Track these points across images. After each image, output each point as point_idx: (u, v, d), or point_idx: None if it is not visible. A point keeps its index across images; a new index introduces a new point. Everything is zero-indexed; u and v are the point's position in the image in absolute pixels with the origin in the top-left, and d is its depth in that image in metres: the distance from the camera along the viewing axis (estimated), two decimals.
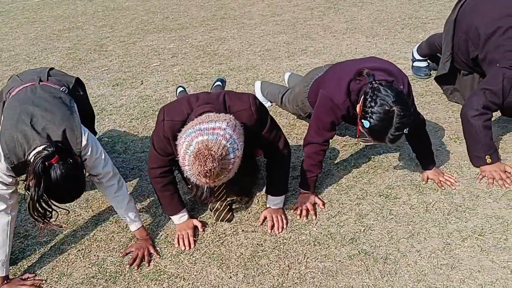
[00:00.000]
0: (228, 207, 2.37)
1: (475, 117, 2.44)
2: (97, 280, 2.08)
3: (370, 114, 2.02)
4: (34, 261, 2.22)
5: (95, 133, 2.66)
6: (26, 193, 1.85)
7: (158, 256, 2.18)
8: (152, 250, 2.18)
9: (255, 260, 2.11)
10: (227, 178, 1.81)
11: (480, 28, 2.63)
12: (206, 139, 1.70)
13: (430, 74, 3.54)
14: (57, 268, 2.17)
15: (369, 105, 2.02)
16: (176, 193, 2.25)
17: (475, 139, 2.47)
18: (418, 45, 3.59)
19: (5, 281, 2.05)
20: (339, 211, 2.35)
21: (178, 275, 2.07)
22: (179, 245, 2.22)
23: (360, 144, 2.76)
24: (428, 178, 2.49)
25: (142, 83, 4.05)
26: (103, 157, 2.07)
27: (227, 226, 2.32)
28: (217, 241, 2.24)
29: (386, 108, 1.99)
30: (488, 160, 2.46)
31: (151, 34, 5.45)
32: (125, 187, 2.18)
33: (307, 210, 2.33)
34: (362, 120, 2.07)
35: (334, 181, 2.57)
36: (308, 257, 2.09)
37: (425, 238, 2.13)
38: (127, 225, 2.26)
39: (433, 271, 1.96)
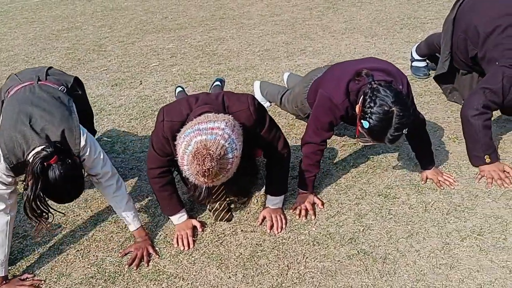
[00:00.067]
0: (227, 207, 2.37)
1: (475, 117, 2.44)
2: (96, 280, 2.08)
3: (369, 114, 2.02)
4: (33, 261, 2.22)
5: (94, 132, 2.66)
6: (24, 193, 1.85)
7: (157, 256, 2.18)
8: (151, 250, 2.18)
9: (254, 260, 2.11)
10: (225, 178, 1.81)
11: (479, 27, 2.63)
12: (204, 138, 1.71)
13: (429, 74, 3.54)
14: (56, 268, 2.17)
15: (368, 105, 2.02)
16: (175, 193, 2.25)
17: (474, 138, 2.47)
18: (417, 45, 3.59)
19: (4, 281, 2.05)
20: (338, 211, 2.35)
21: (177, 275, 2.07)
22: (178, 245, 2.22)
23: (359, 144, 2.76)
24: (427, 178, 2.49)
25: (141, 83, 4.04)
26: (101, 157, 2.07)
27: (226, 226, 2.32)
28: (216, 241, 2.24)
29: (386, 108, 1.99)
30: (487, 160, 2.46)
31: (150, 34, 5.45)
32: (124, 187, 2.18)
33: (306, 210, 2.33)
34: (362, 121, 2.07)
35: (333, 181, 2.57)
36: (307, 257, 2.09)
37: (424, 237, 2.14)
38: (126, 225, 2.26)
39: (432, 271, 1.96)
